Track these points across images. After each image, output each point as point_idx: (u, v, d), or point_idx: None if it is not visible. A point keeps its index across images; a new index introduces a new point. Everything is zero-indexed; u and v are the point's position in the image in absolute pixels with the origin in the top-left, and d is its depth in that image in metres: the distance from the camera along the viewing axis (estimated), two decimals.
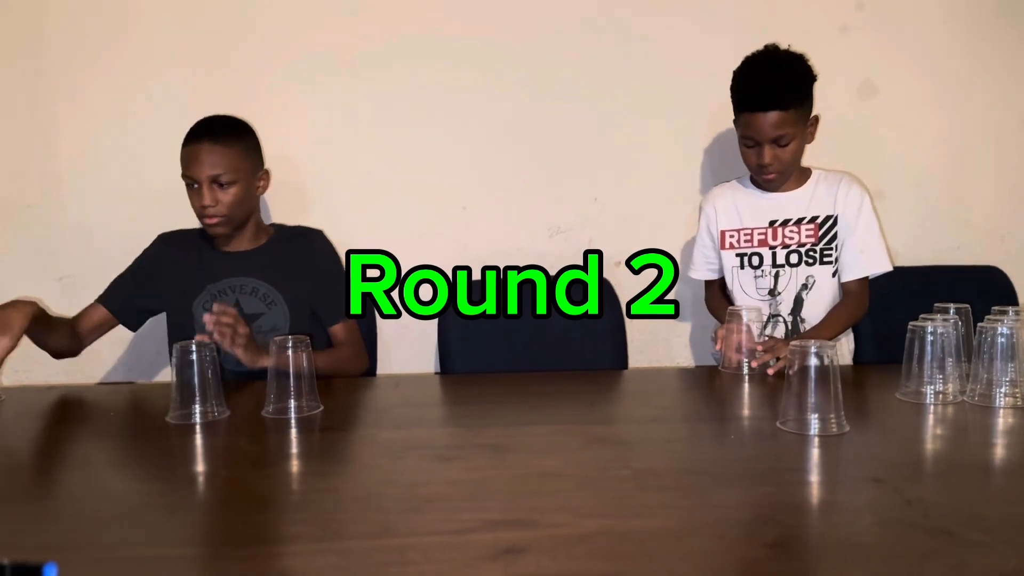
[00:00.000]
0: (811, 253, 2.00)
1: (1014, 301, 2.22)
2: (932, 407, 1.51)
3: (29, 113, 2.26)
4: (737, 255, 2.07)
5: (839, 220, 2.00)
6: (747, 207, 2.06)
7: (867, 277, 2.02)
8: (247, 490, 1.21)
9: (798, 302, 2.01)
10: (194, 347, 1.48)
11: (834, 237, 2.01)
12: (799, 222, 2.01)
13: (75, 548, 1.03)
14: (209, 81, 2.26)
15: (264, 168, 1.96)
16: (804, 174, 2.05)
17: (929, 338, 1.51)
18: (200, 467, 1.34)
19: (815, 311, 2.01)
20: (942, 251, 2.43)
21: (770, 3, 2.32)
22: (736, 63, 2.27)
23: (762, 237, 2.03)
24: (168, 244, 1.99)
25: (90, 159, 2.28)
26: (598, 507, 1.12)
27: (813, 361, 1.35)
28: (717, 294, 2.20)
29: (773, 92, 1.87)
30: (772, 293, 2.02)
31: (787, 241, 2.01)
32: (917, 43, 2.38)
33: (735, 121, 1.98)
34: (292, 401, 1.52)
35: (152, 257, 1.98)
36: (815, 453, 1.30)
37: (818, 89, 2.36)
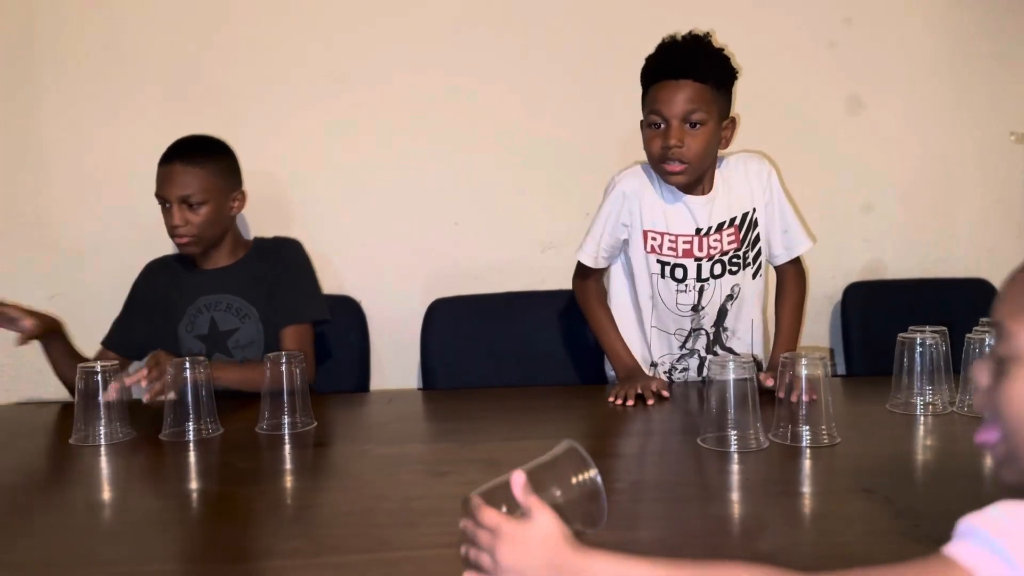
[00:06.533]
0: (735, 260, 1.84)
1: None
2: (922, 418, 1.52)
3: (22, 132, 2.26)
4: (658, 261, 1.84)
5: (757, 209, 1.85)
6: (673, 210, 1.83)
7: (799, 256, 1.91)
8: (242, 506, 1.21)
9: (722, 313, 1.87)
10: (187, 364, 1.49)
11: (756, 236, 1.85)
12: (720, 228, 1.82)
13: (71, 565, 1.03)
14: (200, 101, 2.26)
15: (240, 188, 1.94)
16: (712, 171, 1.85)
17: (918, 350, 1.53)
18: (194, 484, 1.34)
19: (738, 318, 1.89)
20: (929, 264, 2.45)
21: (757, 18, 2.35)
22: None
23: (687, 247, 1.82)
24: (152, 273, 2.00)
25: (82, 178, 2.28)
26: None
27: (803, 373, 1.36)
28: (596, 289, 1.94)
29: (690, 60, 1.72)
30: (696, 308, 1.85)
31: (711, 251, 1.82)
32: (904, 58, 2.41)
33: (644, 107, 1.79)
34: (286, 417, 1.52)
35: (140, 288, 1.99)
36: (807, 464, 1.31)
37: (806, 103, 2.39)
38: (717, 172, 1.85)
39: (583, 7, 2.32)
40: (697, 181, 1.81)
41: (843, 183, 2.43)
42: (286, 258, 1.98)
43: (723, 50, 1.79)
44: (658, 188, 1.84)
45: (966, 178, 2.46)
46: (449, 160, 2.34)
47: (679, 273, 1.83)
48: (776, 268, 1.93)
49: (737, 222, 1.83)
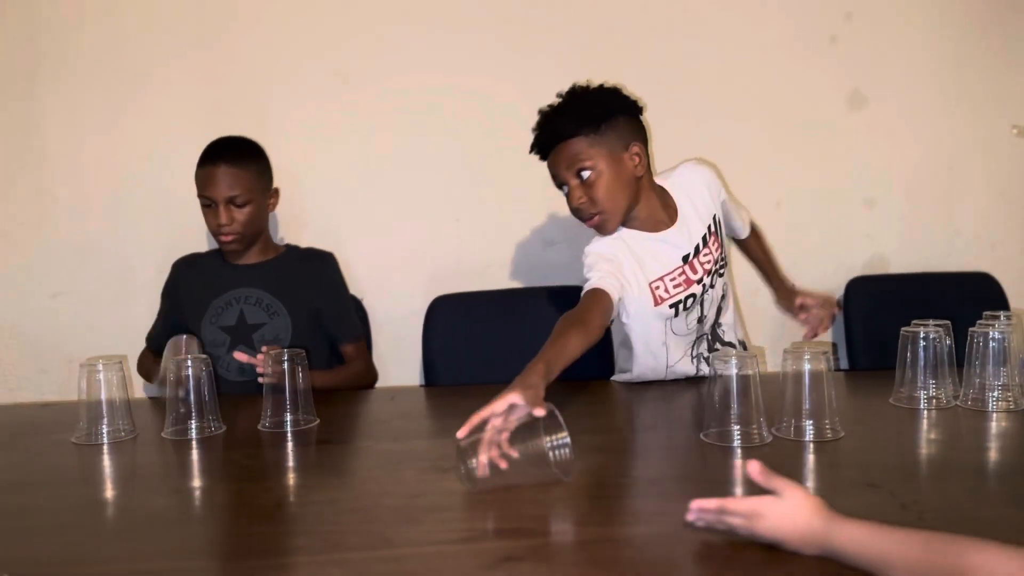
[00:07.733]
0: (720, 263, 1.85)
1: (1005, 307, 2.23)
2: (925, 412, 1.52)
3: (21, 131, 2.26)
4: (671, 306, 1.78)
5: (717, 210, 1.87)
6: (658, 251, 1.79)
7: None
8: (245, 503, 1.21)
9: (718, 312, 1.90)
10: (189, 362, 1.49)
11: (722, 233, 1.88)
12: (704, 243, 1.82)
13: (74, 563, 1.03)
14: (201, 99, 2.26)
15: (274, 187, 2.01)
16: (667, 196, 1.83)
17: (922, 343, 1.52)
18: (197, 482, 1.34)
19: (728, 312, 1.91)
20: (932, 258, 2.45)
21: (759, 14, 2.34)
22: (727, 74, 2.30)
23: (683, 277, 1.79)
24: (181, 269, 2.04)
25: (83, 176, 2.28)
26: (596, 515, 1.13)
27: (807, 366, 1.35)
28: (575, 314, 1.65)
29: (551, 126, 1.74)
30: (701, 320, 1.85)
31: (705, 267, 1.81)
32: (906, 53, 2.40)
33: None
34: (288, 415, 1.52)
35: (171, 286, 2.04)
36: (810, 459, 1.31)
37: (807, 98, 2.39)
38: (674, 192, 1.83)
39: (585, 5, 2.32)
40: (650, 218, 1.79)
41: (845, 178, 2.42)
42: (331, 275, 2.06)
43: (601, 88, 1.80)
44: (628, 242, 1.79)
45: (968, 172, 2.46)
46: (450, 156, 2.33)
47: (689, 302, 1.80)
48: (746, 239, 2.07)
49: (712, 228, 1.84)
